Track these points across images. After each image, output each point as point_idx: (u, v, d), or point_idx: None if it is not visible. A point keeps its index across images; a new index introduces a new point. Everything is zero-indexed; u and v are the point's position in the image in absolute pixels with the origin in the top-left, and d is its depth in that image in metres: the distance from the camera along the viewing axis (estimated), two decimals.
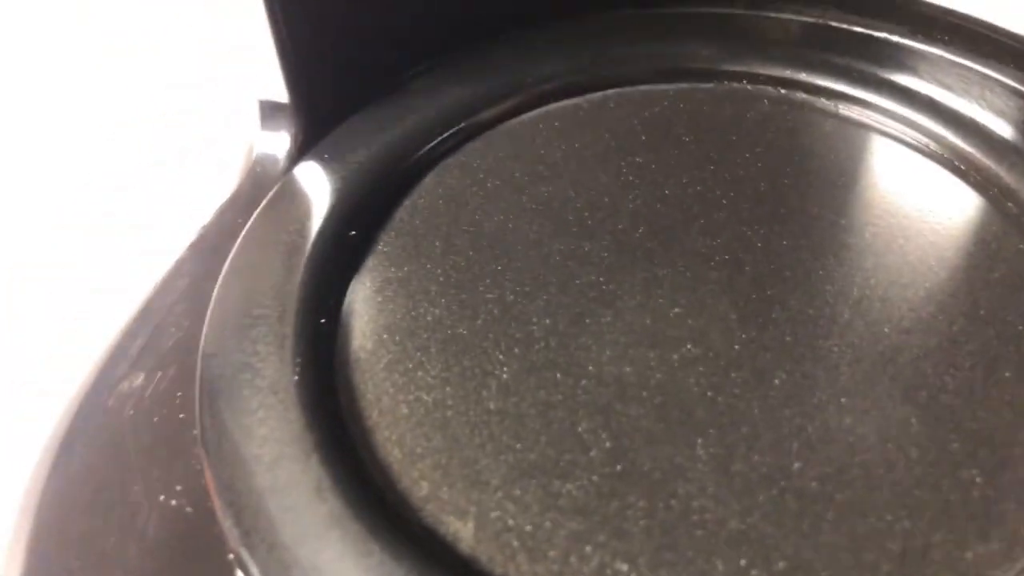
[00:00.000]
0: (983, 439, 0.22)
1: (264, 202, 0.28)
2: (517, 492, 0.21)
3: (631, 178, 0.29)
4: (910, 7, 0.32)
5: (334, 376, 0.24)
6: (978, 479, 0.21)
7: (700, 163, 0.29)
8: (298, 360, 0.24)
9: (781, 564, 0.20)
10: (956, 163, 0.29)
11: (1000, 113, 0.29)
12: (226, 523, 0.21)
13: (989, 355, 0.23)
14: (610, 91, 0.32)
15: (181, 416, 0.24)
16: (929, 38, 0.31)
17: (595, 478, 0.22)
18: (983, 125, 0.29)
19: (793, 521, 0.20)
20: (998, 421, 0.22)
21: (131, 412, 0.24)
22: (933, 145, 0.29)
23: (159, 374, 0.25)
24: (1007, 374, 0.23)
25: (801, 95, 0.32)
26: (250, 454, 0.22)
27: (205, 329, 0.25)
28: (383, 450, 0.22)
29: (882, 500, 0.21)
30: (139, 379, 0.25)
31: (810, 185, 0.29)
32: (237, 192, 0.30)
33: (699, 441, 0.22)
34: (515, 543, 0.20)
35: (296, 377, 0.23)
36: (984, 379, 0.23)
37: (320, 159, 0.29)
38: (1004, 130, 0.29)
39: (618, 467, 0.22)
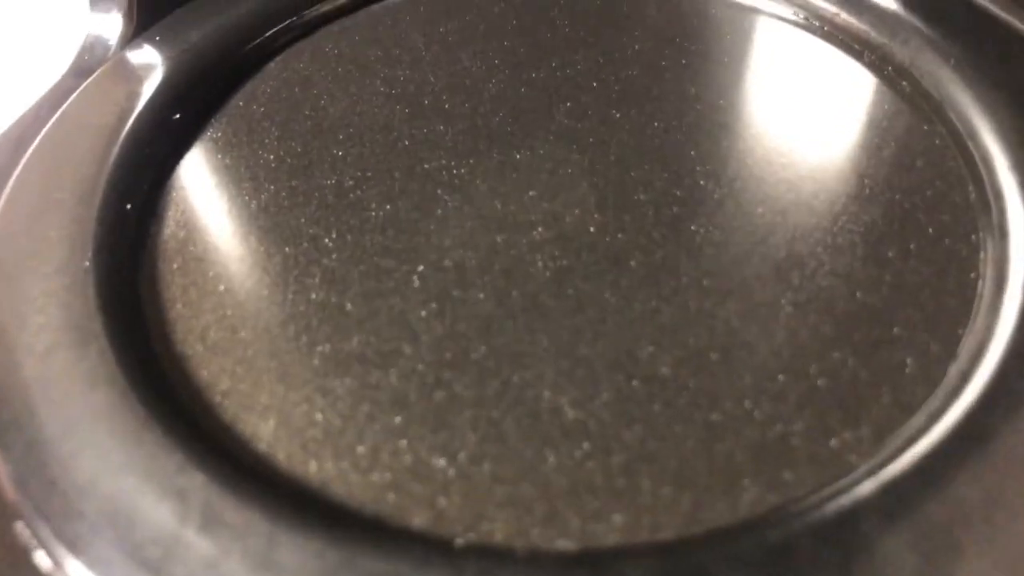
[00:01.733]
0: (859, 321, 0.19)
1: (84, 85, 0.25)
2: (330, 385, 0.19)
3: (496, 62, 0.26)
4: None
5: (136, 265, 0.21)
6: (850, 361, 0.19)
7: (572, 46, 0.27)
8: (93, 246, 0.21)
9: (621, 456, 0.17)
10: (849, 42, 0.26)
11: None
12: None
13: (873, 235, 0.21)
14: None
15: None
16: None
17: (420, 367, 0.19)
18: (876, 3, 0.26)
19: (638, 409, 0.18)
20: (877, 301, 0.20)
21: None
22: (827, 27, 0.27)
23: None
24: (890, 253, 0.21)
25: None
26: (21, 343, 0.19)
27: None
28: (182, 343, 0.20)
29: (741, 387, 0.18)
30: None
31: (688, 67, 0.26)
32: (59, 81, 0.26)
33: (540, 327, 0.19)
34: (319, 437, 0.18)
35: (87, 263, 0.20)
36: (865, 259, 0.21)
37: (151, 40, 0.26)
38: (895, 7, 0.26)
39: (447, 355, 0.19)
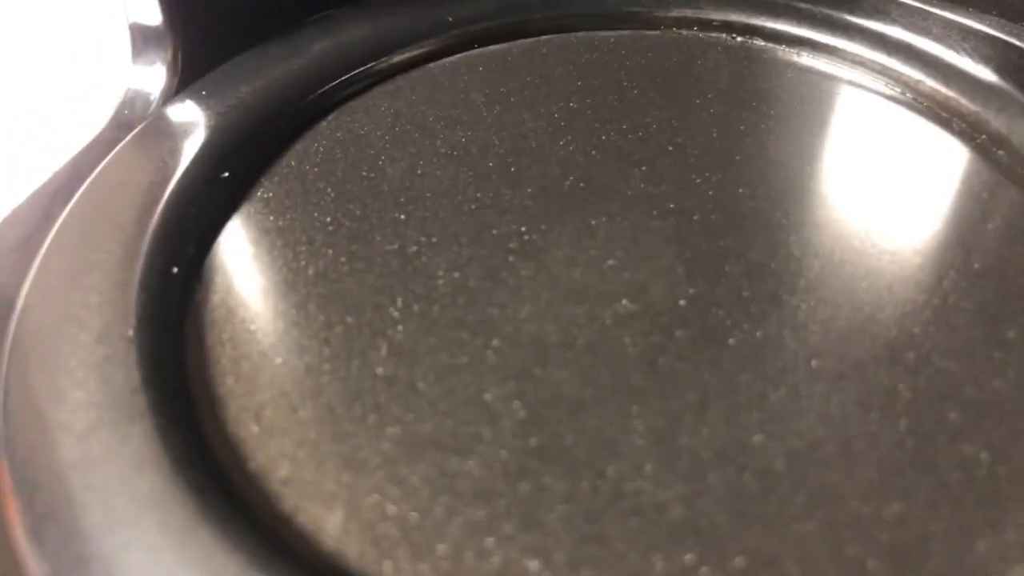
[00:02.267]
0: (986, 408, 0.18)
1: (124, 140, 0.23)
2: (403, 472, 0.17)
3: (562, 124, 0.25)
4: None
5: (182, 335, 0.19)
6: (983, 455, 0.17)
7: (643, 109, 0.25)
8: (136, 313, 0.19)
9: (739, 560, 0.15)
10: (937, 111, 0.25)
11: (983, 58, 0.25)
12: (16, 506, 0.16)
13: (988, 312, 0.19)
14: (543, 37, 0.28)
15: None
16: None
17: (504, 454, 0.17)
18: (964, 70, 0.25)
19: (754, 507, 0.16)
20: (1003, 386, 0.18)
21: None
22: (910, 93, 0.26)
23: None
24: (1010, 334, 0.19)
25: (759, 42, 0.28)
26: (58, 421, 0.17)
27: (30, 277, 0.20)
28: (236, 422, 0.18)
29: (865, 481, 0.16)
30: None
31: (769, 131, 0.24)
32: (99, 135, 0.25)
33: (635, 410, 0.18)
34: (394, 534, 0.16)
35: (131, 331, 0.18)
36: (984, 339, 0.19)
37: (197, 95, 0.25)
38: (987, 75, 0.25)
39: (532, 441, 0.17)
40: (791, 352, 0.18)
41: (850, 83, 0.26)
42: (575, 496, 0.16)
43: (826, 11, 0.28)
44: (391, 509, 0.16)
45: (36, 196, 0.23)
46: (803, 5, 0.28)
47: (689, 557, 0.15)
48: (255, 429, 0.17)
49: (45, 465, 0.16)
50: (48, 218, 0.22)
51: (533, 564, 0.15)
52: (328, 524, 0.16)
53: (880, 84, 0.26)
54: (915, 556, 0.15)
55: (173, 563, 0.14)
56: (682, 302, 0.20)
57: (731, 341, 0.19)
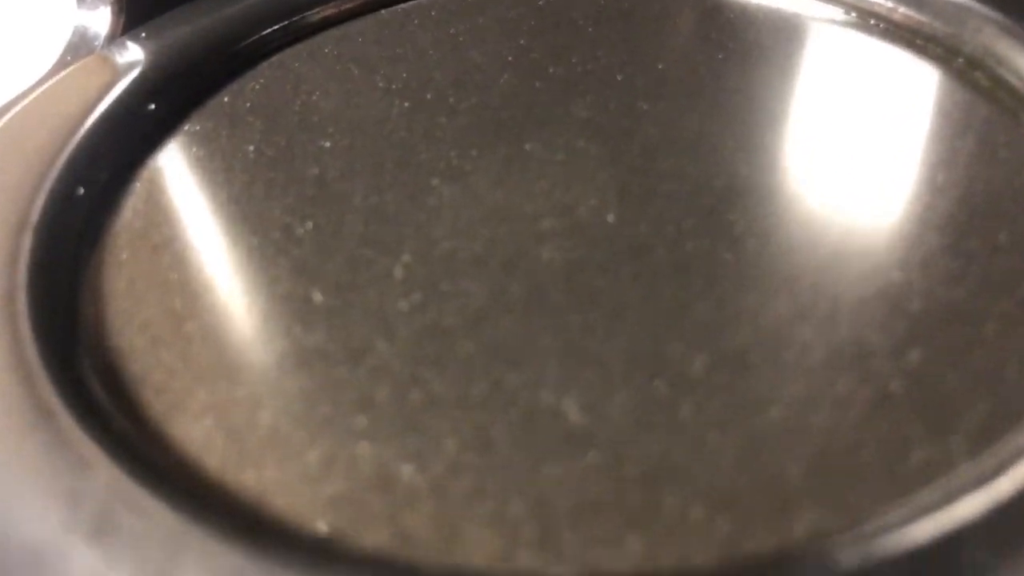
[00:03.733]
0: (938, 317, 0.16)
1: (50, 81, 0.23)
2: (283, 383, 0.15)
3: (509, 59, 0.24)
4: None
5: (78, 251, 0.18)
6: (931, 364, 0.15)
7: (595, 44, 0.24)
8: (36, 227, 0.18)
9: (638, 468, 0.13)
10: (911, 38, 0.23)
11: None
12: None
13: (951, 227, 0.17)
14: None
15: None
16: None
17: (396, 363, 0.15)
18: None
19: (662, 414, 0.14)
20: (962, 296, 0.16)
21: None
22: (883, 24, 0.24)
23: None
24: (973, 244, 0.17)
25: None
26: None
27: None
28: (119, 335, 0.16)
29: (794, 391, 0.15)
30: None
31: (727, 62, 0.23)
32: (40, 79, 0.24)
33: (543, 323, 0.16)
34: (263, 442, 0.14)
35: (28, 242, 0.17)
36: (943, 250, 0.17)
37: (137, 37, 0.24)
38: None
39: (428, 351, 0.16)
40: (722, 266, 0.17)
41: (821, 19, 0.25)
42: (464, 403, 0.15)
43: None
44: (263, 418, 0.15)
45: None
46: None
47: (582, 464, 0.14)
48: (138, 341, 0.16)
49: None
50: None
51: (407, 469, 0.14)
52: (194, 433, 0.15)
53: (852, 16, 0.24)
54: (841, 467, 0.13)
55: (5, 460, 0.13)
56: (610, 218, 0.18)
57: (658, 255, 0.17)
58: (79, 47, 0.25)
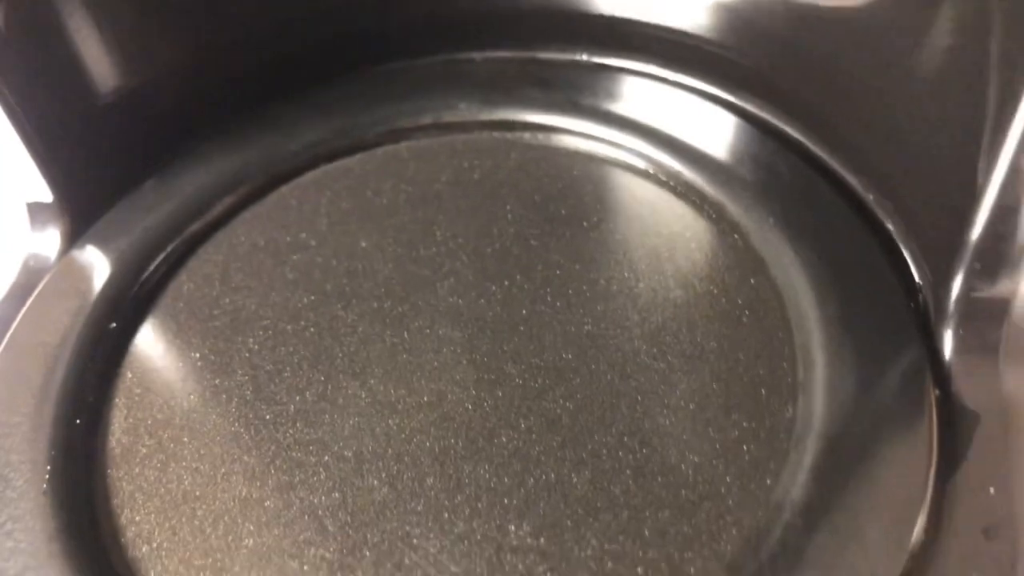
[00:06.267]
0: (686, 481, 0.24)
1: (28, 302, 0.29)
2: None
3: (389, 239, 0.30)
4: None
5: (89, 477, 0.25)
6: (679, 518, 0.23)
7: (454, 218, 0.31)
8: (48, 467, 0.24)
9: None
10: (691, 196, 0.30)
11: (738, 152, 0.31)
12: None
13: (706, 397, 0.25)
14: (378, 150, 0.33)
15: None
16: None
17: (327, 555, 0.23)
18: (714, 156, 0.31)
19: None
20: (703, 460, 0.24)
21: None
22: (672, 181, 0.31)
23: None
24: (717, 416, 0.25)
25: (556, 138, 0.33)
26: None
27: None
28: (132, 547, 0.23)
29: (602, 550, 0.22)
30: None
31: (552, 234, 0.30)
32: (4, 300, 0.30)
33: (426, 508, 0.23)
34: None
35: (45, 485, 0.24)
36: (694, 416, 0.25)
37: (81, 253, 0.30)
38: (728, 159, 0.30)
39: (349, 542, 0.23)
40: (544, 444, 0.24)
41: (625, 167, 0.32)
42: None
43: (602, 107, 0.33)
44: None
45: None
46: (590, 104, 0.33)
47: None
48: (147, 551, 0.23)
49: None
50: None
51: None
52: None
53: (648, 169, 0.31)
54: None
55: None
56: (468, 406, 0.25)
57: (502, 439, 0.25)
58: (35, 263, 0.31)
